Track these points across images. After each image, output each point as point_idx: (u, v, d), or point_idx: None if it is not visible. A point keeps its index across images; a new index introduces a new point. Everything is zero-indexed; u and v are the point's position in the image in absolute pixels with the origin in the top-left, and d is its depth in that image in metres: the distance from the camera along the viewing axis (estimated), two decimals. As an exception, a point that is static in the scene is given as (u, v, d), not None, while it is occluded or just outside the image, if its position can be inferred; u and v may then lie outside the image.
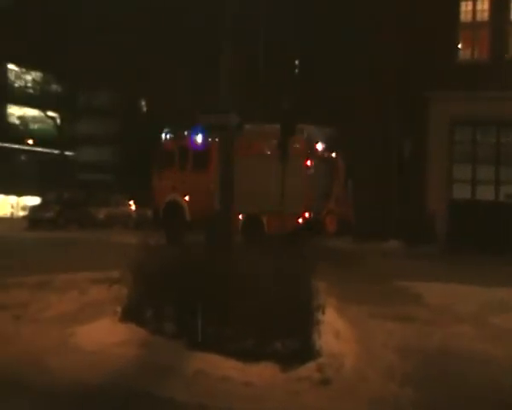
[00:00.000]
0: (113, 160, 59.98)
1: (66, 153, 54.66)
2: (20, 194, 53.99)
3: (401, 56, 22.86)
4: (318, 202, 19.79)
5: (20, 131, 56.00)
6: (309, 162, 19.83)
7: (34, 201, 44.70)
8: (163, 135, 23.68)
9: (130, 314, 7.14)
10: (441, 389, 6.08)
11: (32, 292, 9.93)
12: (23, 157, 57.06)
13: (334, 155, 21.30)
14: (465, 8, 23.20)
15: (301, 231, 18.71)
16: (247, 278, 6.71)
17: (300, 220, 19.44)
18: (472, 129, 22.98)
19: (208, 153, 21.13)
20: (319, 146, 20.26)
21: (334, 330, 7.38)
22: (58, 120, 53.02)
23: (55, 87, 52.83)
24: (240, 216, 19.93)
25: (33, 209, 36.93)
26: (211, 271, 6.82)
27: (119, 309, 7.33)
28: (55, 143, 53.40)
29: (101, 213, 36.06)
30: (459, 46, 23.37)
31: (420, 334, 8.14)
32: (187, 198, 22.15)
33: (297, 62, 39.45)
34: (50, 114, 52.93)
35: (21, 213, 47.49)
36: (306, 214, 19.60)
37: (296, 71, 39.55)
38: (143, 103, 50.66)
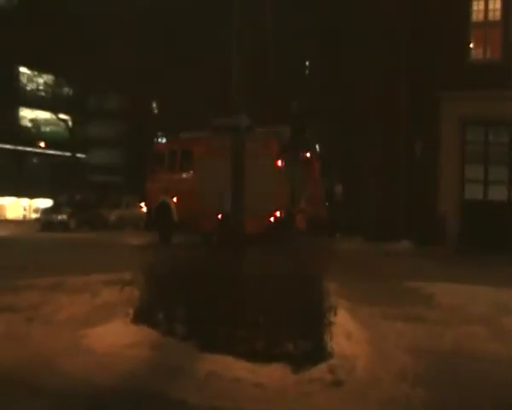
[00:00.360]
0: (124, 162, 60.22)
1: (78, 155, 54.90)
2: (32, 196, 54.30)
3: (413, 56, 22.79)
4: (289, 201, 20.26)
5: (32, 134, 56.31)
6: (279, 163, 20.47)
7: (46, 203, 44.93)
8: (156, 139, 24.68)
9: (142, 316, 7.15)
10: (453, 390, 6.05)
11: (43, 294, 9.96)
12: (35, 160, 57.38)
13: (308, 154, 21.74)
14: (477, 8, 23.09)
15: (273, 230, 19.48)
16: (258, 279, 6.72)
17: (272, 219, 20.16)
18: (484, 129, 22.88)
19: (192, 155, 22.46)
20: (291, 146, 20.89)
21: (346, 331, 7.36)
22: (70, 123, 53.29)
23: (66, 90, 53.07)
24: (219, 216, 20.80)
25: (45, 211, 37.13)
26: (221, 272, 6.83)
27: (130, 311, 7.34)
28: (67, 145, 53.66)
29: (113, 215, 36.21)
30: (471, 46, 23.27)
31: (431, 334, 8.11)
32: (174, 199, 23.06)
33: (307, 64, 39.43)
34: (62, 116, 53.19)
35: (34, 216, 47.76)
36: (277, 214, 20.29)
37: (306, 72, 39.53)
38: (154, 105, 50.78)
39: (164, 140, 24.54)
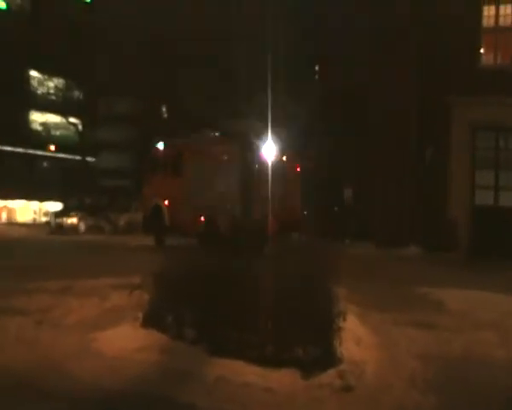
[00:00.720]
0: (134, 166, 60.34)
1: (88, 159, 55.05)
2: (42, 200, 54.45)
3: (424, 61, 22.75)
4: (259, 204, 20.55)
5: (42, 138, 56.46)
6: (250, 167, 20.94)
7: (56, 206, 45.07)
8: (155, 144, 25.66)
9: (151, 320, 7.16)
10: (463, 396, 6.03)
11: (53, 297, 9.99)
12: (45, 163, 57.56)
13: (284, 158, 22.08)
14: (488, 13, 23.03)
15: (244, 232, 19.86)
16: (268, 284, 6.71)
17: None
18: (494, 134, 22.79)
19: (181, 160, 23.41)
20: (264, 151, 21.50)
21: (356, 336, 7.34)
22: (80, 127, 53.49)
23: (76, 94, 53.29)
24: (202, 218, 22.04)
25: (55, 215, 37.27)
26: (230, 276, 6.83)
27: (140, 315, 7.35)
28: (77, 149, 53.82)
29: (122, 219, 36.29)
30: (482, 51, 23.21)
31: (442, 340, 8.08)
32: (166, 203, 23.99)
33: (316, 68, 39.41)
34: (72, 120, 53.39)
35: (43, 219, 47.91)
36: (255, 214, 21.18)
37: (316, 77, 39.50)
38: (164, 110, 50.90)
39: (160, 145, 25.13)
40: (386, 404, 5.70)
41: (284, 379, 6.03)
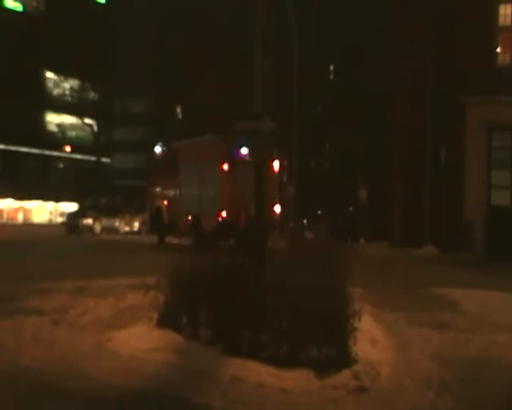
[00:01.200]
0: (149, 166, 60.51)
1: (103, 159, 55.30)
2: (58, 200, 54.74)
3: (439, 61, 22.63)
4: (235, 203, 22.16)
5: (58, 138, 56.80)
6: (225, 168, 22.66)
7: (72, 207, 45.31)
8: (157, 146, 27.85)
9: (166, 320, 7.18)
10: (479, 398, 6.00)
11: (69, 297, 10.06)
12: (61, 164, 57.88)
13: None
14: (504, 12, 22.86)
15: (221, 228, 21.94)
16: (282, 284, 6.71)
17: (220, 219, 22.50)
18: (510, 134, 22.62)
19: (175, 162, 25.03)
20: (242, 151, 22.37)
21: (371, 337, 7.32)
22: (95, 127, 53.72)
23: (92, 95, 53.50)
24: (189, 217, 23.77)
25: (71, 216, 37.45)
26: (246, 277, 6.84)
27: (155, 315, 7.37)
28: (92, 149, 54.09)
29: (137, 220, 36.41)
30: (498, 50, 23.04)
31: (457, 342, 8.04)
32: (165, 203, 25.86)
33: (331, 68, 39.36)
34: (87, 121, 53.63)
35: (59, 220, 48.16)
36: (223, 214, 22.48)
37: (331, 77, 39.46)
38: (179, 110, 51.04)
39: (158, 148, 27.74)
40: (402, 405, 5.69)
41: (299, 379, 6.03)
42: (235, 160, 22.60)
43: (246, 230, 21.50)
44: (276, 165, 22.85)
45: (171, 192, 25.49)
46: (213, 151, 23.11)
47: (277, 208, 23.38)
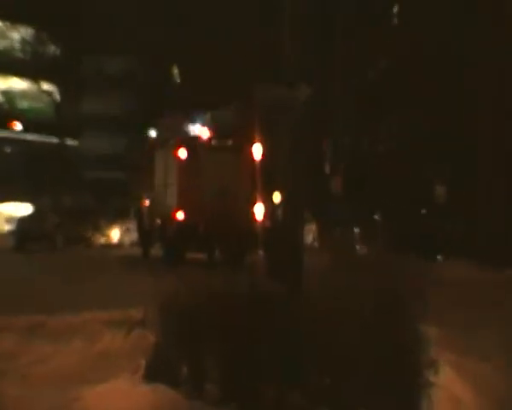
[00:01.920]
0: (133, 151, 60.62)
1: (67, 141, 55.39)
2: (2, 200, 55.03)
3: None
4: (195, 199, 23.23)
5: (3, 112, 56.96)
6: (182, 154, 23.75)
7: (23, 209, 45.53)
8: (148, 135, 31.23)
9: (158, 371, 7.22)
10: None
11: (20, 339, 10.11)
12: (8, 148, 58.08)
13: (240, 143, 23.43)
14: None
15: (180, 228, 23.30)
16: (318, 318, 6.70)
17: (175, 223, 23.64)
18: None
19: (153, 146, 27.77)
20: (205, 135, 24.25)
21: (452, 396, 7.33)
22: (56, 96, 53.80)
23: (52, 49, 53.58)
24: (158, 221, 25.68)
25: (22, 222, 37.58)
26: (275, 310, 6.84)
27: (141, 363, 7.41)
28: (52, 127, 54.13)
29: (116, 227, 36.48)
30: None
31: None
32: (145, 203, 27.90)
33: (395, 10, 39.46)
34: (45, 86, 53.72)
35: (6, 228, 48.42)
36: (178, 214, 23.56)
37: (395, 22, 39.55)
38: (176, 71, 51.12)
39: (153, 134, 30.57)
40: None
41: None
42: (197, 143, 24.04)
43: (214, 235, 23.18)
44: (257, 149, 22.84)
45: (149, 189, 27.32)
46: (173, 132, 25.08)
47: (259, 210, 23.37)
